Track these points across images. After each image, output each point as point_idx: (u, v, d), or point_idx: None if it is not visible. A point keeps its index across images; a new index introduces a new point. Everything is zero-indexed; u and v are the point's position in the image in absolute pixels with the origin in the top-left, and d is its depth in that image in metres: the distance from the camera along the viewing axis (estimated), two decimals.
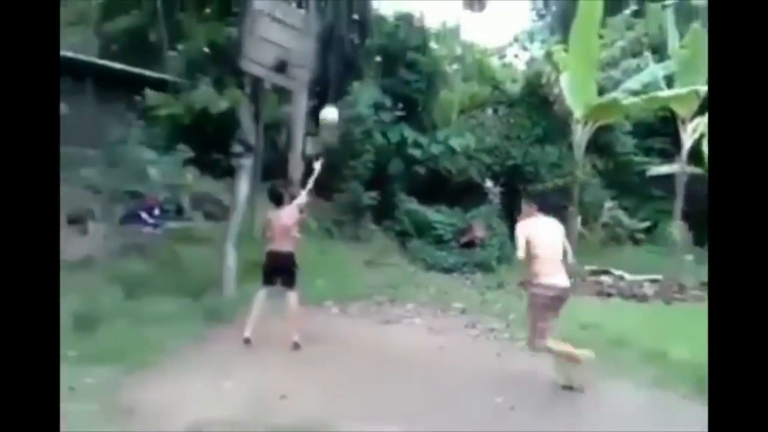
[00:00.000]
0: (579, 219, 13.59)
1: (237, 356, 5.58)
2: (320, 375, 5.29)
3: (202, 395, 4.60)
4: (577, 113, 11.55)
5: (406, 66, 13.21)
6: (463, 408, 4.70)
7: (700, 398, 4.51)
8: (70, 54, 12.66)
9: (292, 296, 5.97)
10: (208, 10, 13.70)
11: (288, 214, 6.01)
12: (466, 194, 13.40)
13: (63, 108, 11.56)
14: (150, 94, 12.11)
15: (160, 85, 12.60)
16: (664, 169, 13.15)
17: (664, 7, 13.18)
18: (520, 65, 19.49)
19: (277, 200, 6.08)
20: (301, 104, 12.34)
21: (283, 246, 5.93)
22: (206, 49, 12.56)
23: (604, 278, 10.06)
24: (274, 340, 6.18)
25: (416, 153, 12.96)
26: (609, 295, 9.34)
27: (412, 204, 12.68)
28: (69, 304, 5.90)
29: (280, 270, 5.95)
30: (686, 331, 6.22)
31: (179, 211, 9.62)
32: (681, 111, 10.38)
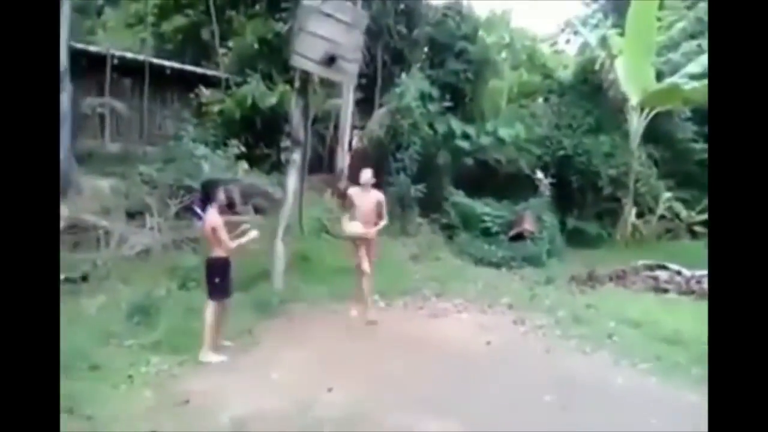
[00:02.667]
0: (634, 211, 13.11)
1: (285, 349, 5.67)
2: (367, 369, 5.30)
3: (250, 387, 4.70)
4: (633, 100, 11.11)
5: (455, 56, 13.02)
6: (511, 406, 4.61)
7: None
8: (128, 54, 13.17)
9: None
10: (257, 7, 13.91)
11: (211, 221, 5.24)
12: (515, 186, 13.12)
13: (122, 107, 12.15)
14: (203, 91, 12.43)
15: (213, 83, 12.92)
16: None
17: None
18: (572, 52, 18.91)
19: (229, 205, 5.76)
20: (348, 98, 12.43)
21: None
22: (256, 45, 12.75)
23: (660, 273, 9.62)
24: (324, 333, 6.27)
25: (464, 144, 12.77)
26: (665, 290, 8.95)
27: (459, 196, 12.52)
28: (128, 295, 6.21)
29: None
30: None
31: (230, 206, 9.83)
32: None
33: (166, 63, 13.51)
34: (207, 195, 5.34)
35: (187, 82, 13.08)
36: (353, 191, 6.93)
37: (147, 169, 9.66)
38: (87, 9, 15.72)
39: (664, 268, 9.74)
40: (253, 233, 5.45)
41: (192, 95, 12.55)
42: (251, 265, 7.77)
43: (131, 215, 8.73)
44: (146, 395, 4.44)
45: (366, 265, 6.75)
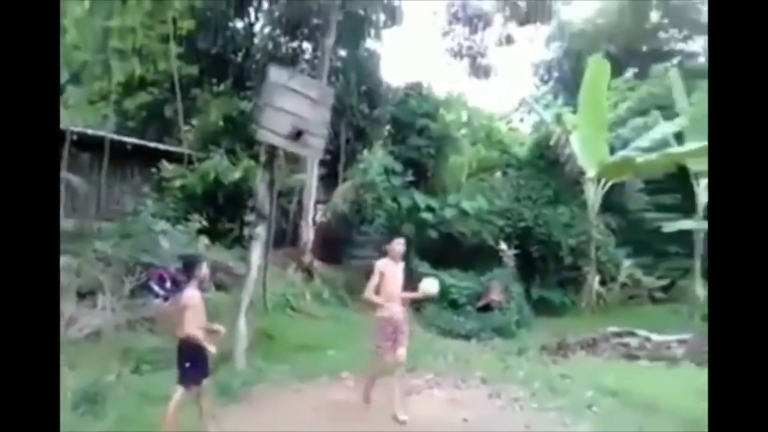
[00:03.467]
0: (597, 279, 13.27)
1: None
2: None
3: None
4: (590, 172, 11.54)
5: (416, 132, 13.38)
6: None
7: None
8: (89, 131, 12.97)
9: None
10: (222, 86, 14.11)
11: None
12: (480, 257, 13.18)
13: (79, 182, 11.79)
14: (165, 166, 12.26)
15: (175, 158, 12.78)
16: (680, 225, 12.92)
17: (668, 69, 13.41)
18: (526, 129, 19.79)
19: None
20: (312, 172, 12.48)
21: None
22: (221, 122, 12.81)
23: (630, 339, 9.58)
24: (289, 417, 5.83)
25: (428, 217, 12.86)
26: (636, 357, 8.86)
27: (425, 268, 12.41)
28: (74, 381, 5.65)
29: None
30: None
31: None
32: (695, 167, 10.29)
33: (127, 139, 13.36)
34: (187, 271, 4.98)
35: (149, 158, 12.91)
36: (382, 264, 5.84)
37: (102, 245, 9.22)
38: None
39: (632, 334, 9.72)
40: (222, 330, 5.09)
41: (153, 170, 12.33)
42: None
43: (82, 295, 8.20)
44: None
45: (401, 352, 5.75)
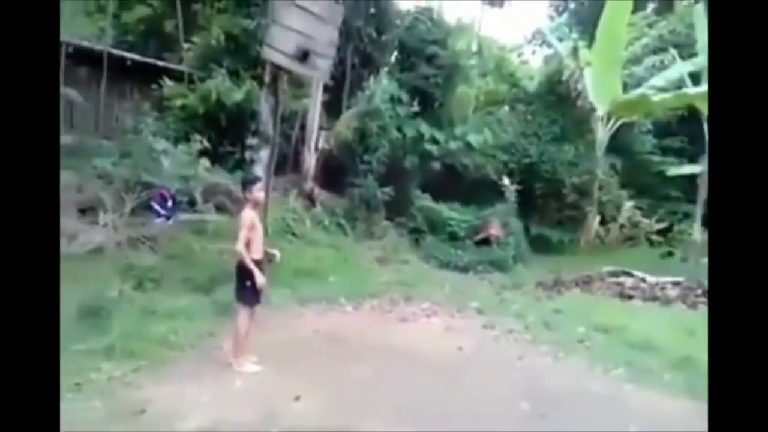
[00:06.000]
0: (597, 219, 13.27)
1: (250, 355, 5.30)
2: (335, 375, 5.01)
3: (212, 395, 4.34)
4: (601, 110, 11.20)
5: (425, 60, 12.91)
6: (489, 414, 4.40)
7: None
8: (85, 44, 12.48)
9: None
10: (224, 2, 13.45)
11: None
12: (482, 192, 13.09)
13: (77, 97, 11.46)
14: (166, 84, 11.89)
15: (175, 76, 12.38)
16: (686, 169, 12.77)
17: (696, 1, 12.70)
18: (537, 63, 19.15)
19: None
20: (317, 97, 12.11)
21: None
22: (222, 40, 12.30)
23: (624, 279, 9.68)
24: (289, 339, 5.95)
25: (432, 149, 12.66)
26: (630, 297, 8.98)
27: (426, 200, 12.40)
28: (77, 296, 5.70)
29: None
30: None
31: (192, 203, 9.37)
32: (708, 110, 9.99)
33: (127, 54, 12.88)
34: (244, 190, 4.96)
35: (148, 75, 12.48)
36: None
37: (102, 163, 9.10)
38: None
39: (628, 274, 9.82)
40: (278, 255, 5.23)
41: (154, 87, 11.97)
42: (212, 265, 7.40)
43: (83, 211, 8.17)
44: (95, 405, 4.01)
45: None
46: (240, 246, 4.69)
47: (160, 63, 13.05)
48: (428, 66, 12.89)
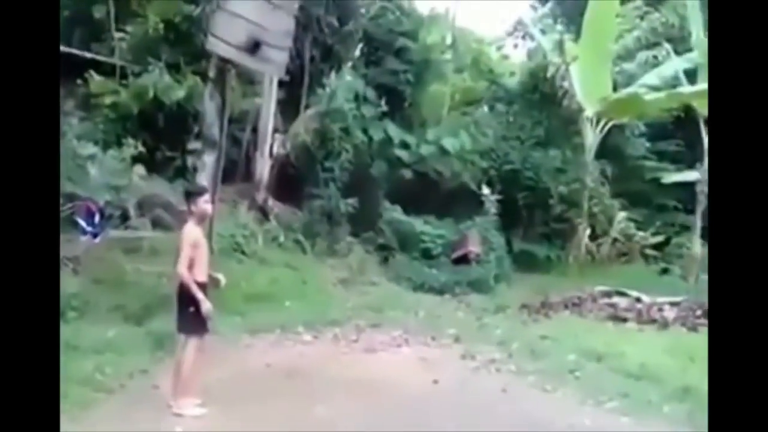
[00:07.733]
0: (587, 233, 13.53)
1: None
2: (292, 416, 4.96)
3: None
4: (590, 110, 11.47)
5: (393, 54, 13.08)
6: None
7: None
8: None
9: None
10: None
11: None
12: (459, 203, 13.26)
13: None
14: (94, 78, 11.69)
15: (105, 71, 12.18)
16: (683, 176, 13.16)
17: None
18: (519, 58, 19.54)
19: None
20: (271, 95, 12.09)
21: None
22: (161, 29, 12.18)
23: (618, 300, 9.90)
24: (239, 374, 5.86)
25: (402, 154, 12.79)
26: (624, 320, 9.18)
27: (396, 213, 12.45)
28: None
29: None
30: None
31: (124, 218, 9.22)
32: (705, 110, 10.36)
33: None
34: (187, 202, 4.91)
35: (73, 68, 12.21)
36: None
37: None
38: None
39: (622, 294, 10.03)
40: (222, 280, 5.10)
41: (79, 82, 11.74)
42: (147, 290, 7.30)
43: None
44: None
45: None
46: (182, 267, 4.63)
47: (88, 55, 12.82)
48: (397, 60, 13.08)
